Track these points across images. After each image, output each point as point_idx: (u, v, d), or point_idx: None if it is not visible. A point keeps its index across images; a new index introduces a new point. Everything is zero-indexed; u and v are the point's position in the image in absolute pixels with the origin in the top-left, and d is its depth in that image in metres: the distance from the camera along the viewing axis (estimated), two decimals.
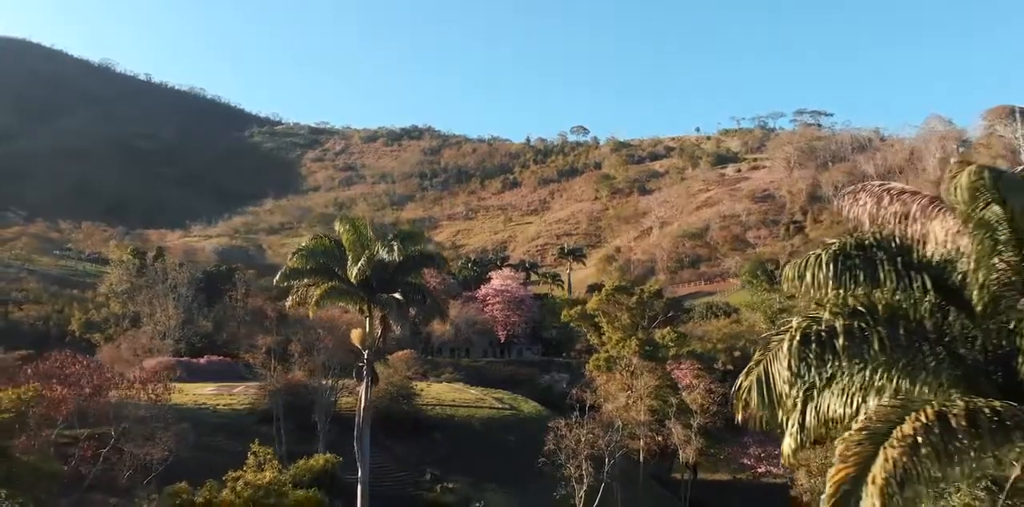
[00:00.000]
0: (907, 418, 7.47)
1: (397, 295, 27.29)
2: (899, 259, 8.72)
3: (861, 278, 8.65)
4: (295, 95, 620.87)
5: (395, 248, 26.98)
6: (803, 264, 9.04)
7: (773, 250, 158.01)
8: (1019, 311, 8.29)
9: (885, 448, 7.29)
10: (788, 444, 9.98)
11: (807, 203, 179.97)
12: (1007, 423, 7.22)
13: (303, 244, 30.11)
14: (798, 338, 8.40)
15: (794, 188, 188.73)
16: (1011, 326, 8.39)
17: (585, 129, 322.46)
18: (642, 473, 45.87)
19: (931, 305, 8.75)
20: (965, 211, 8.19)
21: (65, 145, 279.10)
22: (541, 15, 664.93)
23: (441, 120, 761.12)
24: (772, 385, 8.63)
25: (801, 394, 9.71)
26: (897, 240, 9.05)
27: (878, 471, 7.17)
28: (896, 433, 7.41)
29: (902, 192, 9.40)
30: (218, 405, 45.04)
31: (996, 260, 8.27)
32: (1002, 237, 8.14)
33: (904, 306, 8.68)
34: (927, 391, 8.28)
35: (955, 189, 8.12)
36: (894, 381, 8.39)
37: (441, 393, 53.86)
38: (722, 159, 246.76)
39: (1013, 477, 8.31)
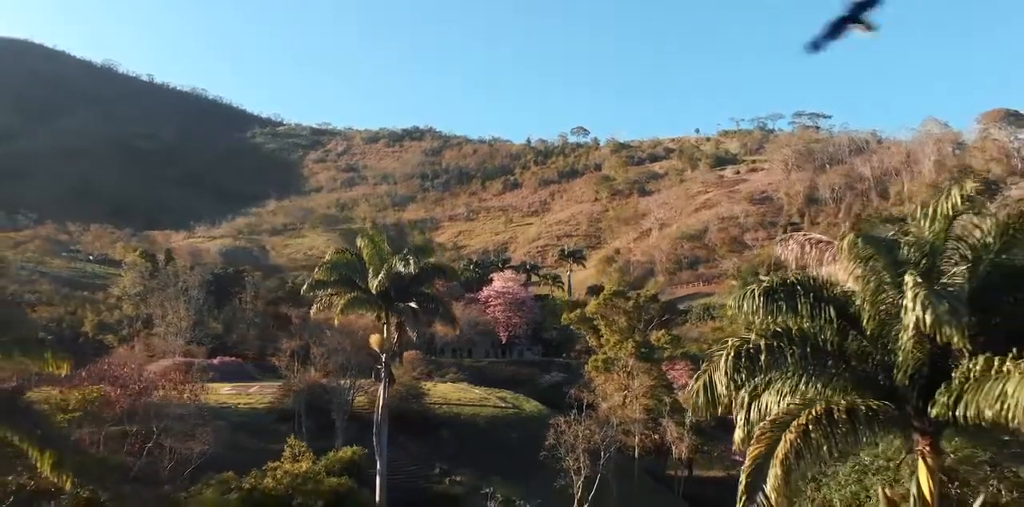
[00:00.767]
0: (803, 412, 10.32)
1: (412, 304, 30.26)
2: (812, 294, 11.55)
3: (784, 308, 11.49)
4: (296, 95, 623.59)
5: (411, 261, 29.80)
6: (742, 296, 11.85)
7: (771, 252, 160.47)
8: (895, 337, 11.07)
9: (786, 433, 10.10)
10: (738, 434, 12.82)
11: (804, 205, 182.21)
12: (881, 418, 10.00)
13: (327, 257, 33.10)
14: (732, 353, 11.22)
15: (791, 190, 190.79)
16: (890, 346, 11.17)
17: (585, 130, 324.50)
18: (637, 468, 48.59)
19: (835, 329, 11.57)
20: (851, 264, 10.98)
21: (66, 146, 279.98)
22: (541, 15, 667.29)
23: (442, 120, 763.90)
24: (714, 388, 11.44)
25: (747, 395, 12.54)
26: (812, 279, 11.87)
27: (780, 450, 10.00)
28: (794, 423, 10.25)
29: (819, 242, 12.20)
30: (238, 404, 47.76)
31: (881, 297, 11.07)
32: (886, 279, 10.92)
33: (814, 330, 11.52)
34: (831, 393, 11.09)
35: (840, 250, 10.92)
36: (806, 386, 11.21)
37: (447, 393, 56.44)
38: (721, 161, 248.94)
39: (900, 461, 11.12)
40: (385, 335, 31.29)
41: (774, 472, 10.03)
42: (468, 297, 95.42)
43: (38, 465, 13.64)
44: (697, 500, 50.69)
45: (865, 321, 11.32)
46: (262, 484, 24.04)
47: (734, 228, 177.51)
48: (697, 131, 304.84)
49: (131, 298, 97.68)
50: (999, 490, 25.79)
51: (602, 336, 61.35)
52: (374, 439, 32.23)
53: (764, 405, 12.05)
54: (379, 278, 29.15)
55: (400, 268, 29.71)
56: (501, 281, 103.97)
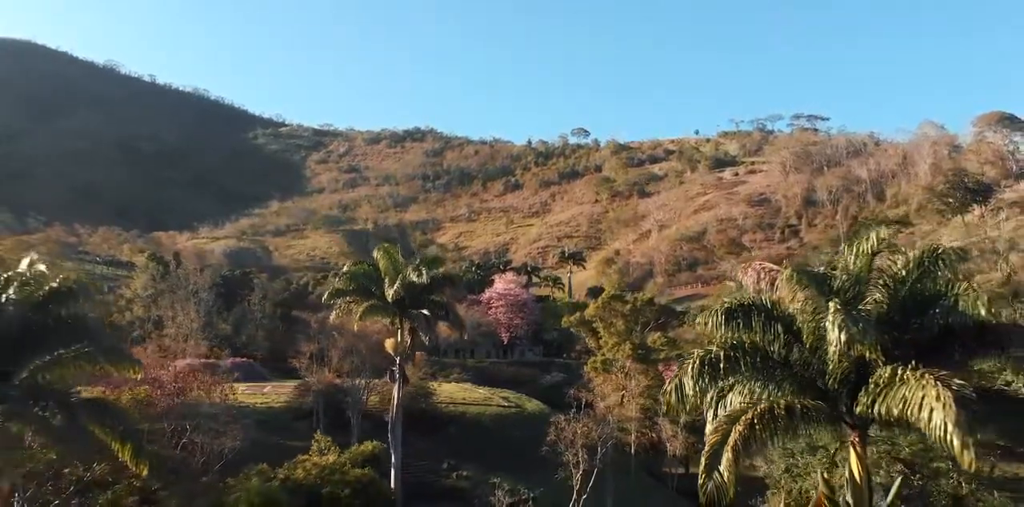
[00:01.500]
0: (750, 409, 12.93)
1: (425, 311, 33.02)
2: (764, 313, 14.18)
3: (741, 325, 14.13)
4: (298, 96, 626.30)
5: (423, 272, 32.47)
6: (707, 315, 14.45)
7: (768, 254, 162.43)
8: (826, 350, 13.66)
9: (736, 426, 12.69)
10: (709, 428, 15.39)
11: (802, 207, 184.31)
12: (815, 414, 12.59)
13: (346, 269, 35.91)
14: (697, 362, 13.86)
15: (789, 192, 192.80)
16: (824, 357, 13.79)
17: (586, 131, 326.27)
18: (633, 464, 51.16)
19: (782, 342, 14.21)
20: (791, 292, 13.62)
21: (69, 147, 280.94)
22: (541, 16, 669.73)
23: (443, 121, 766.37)
24: (683, 390, 14.06)
25: (716, 395, 15.16)
26: (765, 301, 14.48)
27: (731, 439, 12.60)
28: (743, 418, 12.84)
29: (771, 270, 14.81)
30: (255, 403, 50.30)
31: (816, 317, 13.70)
32: (819, 305, 13.52)
33: (765, 343, 14.13)
34: (779, 394, 13.70)
35: (781, 283, 13.53)
36: (760, 388, 13.82)
37: (453, 392, 58.82)
38: (720, 162, 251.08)
39: (833, 450, 13.75)
40: (399, 339, 34.02)
41: (726, 456, 12.63)
42: (471, 299, 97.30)
43: (120, 455, 16.18)
44: (691, 495, 53.13)
45: (805, 336, 13.95)
46: (295, 474, 26.68)
47: (732, 230, 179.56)
48: (697, 132, 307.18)
49: (142, 300, 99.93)
50: (959, 482, 28.48)
51: (601, 338, 63.85)
52: (389, 435, 34.94)
53: (729, 403, 14.65)
54: (395, 288, 31.88)
55: (413, 278, 32.36)
56: (503, 283, 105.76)
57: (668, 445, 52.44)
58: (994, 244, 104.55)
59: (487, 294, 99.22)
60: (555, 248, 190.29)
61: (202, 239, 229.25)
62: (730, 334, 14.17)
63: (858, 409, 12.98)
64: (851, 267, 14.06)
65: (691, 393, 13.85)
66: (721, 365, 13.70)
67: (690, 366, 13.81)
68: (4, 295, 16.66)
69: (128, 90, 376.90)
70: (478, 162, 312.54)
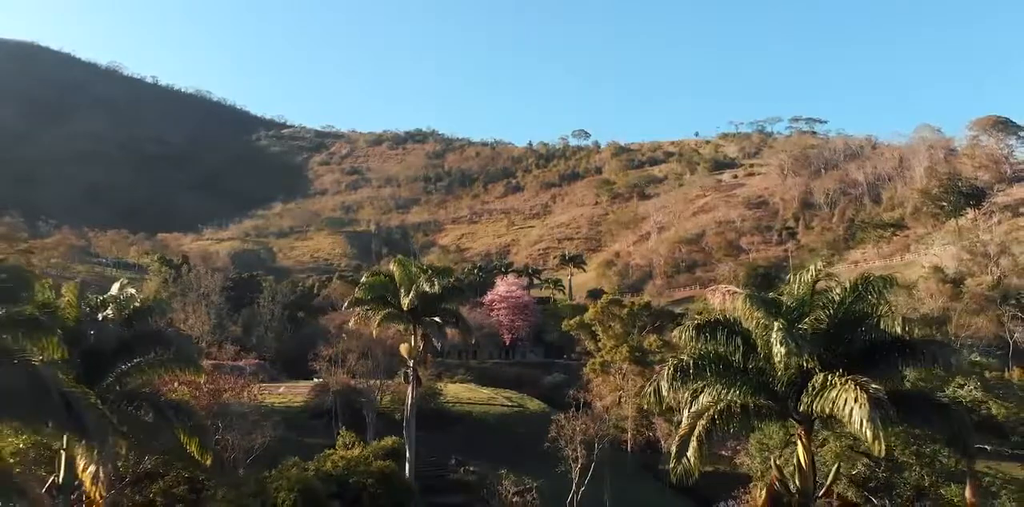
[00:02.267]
0: (712, 407, 16.04)
1: (437, 319, 36.39)
2: (727, 328, 17.27)
3: (708, 338, 17.22)
4: (300, 96, 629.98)
5: (435, 282, 35.62)
6: (682, 330, 17.54)
7: (766, 256, 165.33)
8: (775, 359, 16.70)
9: (699, 420, 15.78)
10: (684, 423, 18.44)
11: (799, 210, 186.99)
12: (763, 411, 15.67)
13: (364, 279, 39.28)
14: (671, 368, 16.94)
15: (787, 195, 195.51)
16: (774, 366, 16.86)
17: (586, 133, 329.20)
18: (630, 460, 54.12)
19: (741, 353, 17.28)
20: (747, 312, 16.74)
21: (75, 149, 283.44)
22: (543, 19, 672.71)
23: (444, 122, 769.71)
24: (660, 391, 17.13)
25: (690, 396, 18.21)
26: (729, 318, 17.57)
27: (696, 431, 15.67)
28: (706, 413, 15.95)
29: (735, 293, 17.86)
30: (273, 403, 53.23)
31: (767, 332, 16.78)
32: (769, 323, 16.61)
33: (727, 353, 17.21)
34: (738, 395, 16.77)
35: (739, 304, 16.62)
36: (724, 390, 16.89)
37: (458, 392, 61.74)
38: (719, 165, 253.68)
39: (788, 439, 16.81)
40: (413, 344, 37.25)
41: (693, 445, 15.78)
42: (473, 301, 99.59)
43: (188, 447, 19.15)
44: (682, 490, 56.02)
45: (759, 348, 17.04)
46: (325, 466, 29.78)
47: (731, 232, 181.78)
48: (697, 134, 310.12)
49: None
50: (923, 475, 31.42)
51: (599, 341, 66.75)
52: (404, 432, 38.12)
53: (700, 403, 17.72)
54: (410, 298, 35.16)
55: (426, 288, 35.49)
56: (505, 285, 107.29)
57: (663, 443, 55.29)
58: (986, 248, 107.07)
59: (489, 296, 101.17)
60: (556, 250, 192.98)
61: (207, 241, 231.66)
62: (699, 345, 17.25)
63: (801, 408, 16.05)
64: (796, 292, 17.19)
65: (667, 394, 16.92)
66: (691, 371, 16.79)
67: (666, 371, 16.93)
68: (101, 314, 19.75)
69: (131, 92, 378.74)
70: (479, 164, 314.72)
